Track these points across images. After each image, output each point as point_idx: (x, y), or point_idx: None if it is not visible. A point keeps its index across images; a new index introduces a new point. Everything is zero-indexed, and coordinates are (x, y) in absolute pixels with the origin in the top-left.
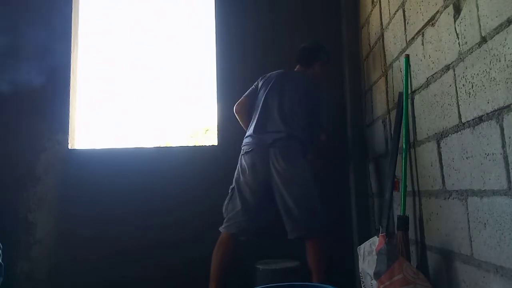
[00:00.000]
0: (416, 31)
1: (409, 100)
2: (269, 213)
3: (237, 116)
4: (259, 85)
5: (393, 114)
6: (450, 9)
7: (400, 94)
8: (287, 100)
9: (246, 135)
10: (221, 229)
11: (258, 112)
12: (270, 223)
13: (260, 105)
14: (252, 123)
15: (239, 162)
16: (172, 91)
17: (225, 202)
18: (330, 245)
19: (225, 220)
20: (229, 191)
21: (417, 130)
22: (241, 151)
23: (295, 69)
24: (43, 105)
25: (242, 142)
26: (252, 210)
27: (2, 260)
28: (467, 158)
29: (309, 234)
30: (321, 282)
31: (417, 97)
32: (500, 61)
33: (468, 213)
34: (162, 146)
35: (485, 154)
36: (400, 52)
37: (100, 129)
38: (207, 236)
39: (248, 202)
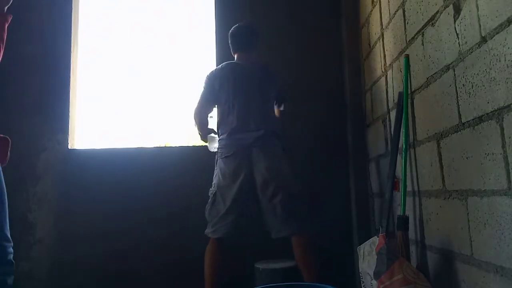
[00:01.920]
0: (416, 31)
1: (409, 100)
2: (253, 213)
3: (197, 121)
4: (215, 85)
5: (393, 114)
6: (450, 9)
7: (400, 94)
8: (254, 95)
9: (222, 137)
10: (207, 234)
11: (229, 113)
12: (256, 222)
13: (229, 105)
14: (225, 125)
15: (218, 165)
16: (172, 91)
17: (208, 207)
18: (329, 245)
19: (210, 225)
20: (211, 196)
21: (417, 130)
22: (218, 154)
23: (236, 59)
24: (43, 105)
25: (219, 144)
26: (236, 213)
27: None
28: (467, 158)
29: (295, 232)
30: (314, 281)
31: (417, 97)
32: (500, 61)
33: (468, 213)
34: (162, 146)
35: (485, 154)
36: (400, 52)
37: (100, 129)
38: (207, 236)
39: (232, 205)
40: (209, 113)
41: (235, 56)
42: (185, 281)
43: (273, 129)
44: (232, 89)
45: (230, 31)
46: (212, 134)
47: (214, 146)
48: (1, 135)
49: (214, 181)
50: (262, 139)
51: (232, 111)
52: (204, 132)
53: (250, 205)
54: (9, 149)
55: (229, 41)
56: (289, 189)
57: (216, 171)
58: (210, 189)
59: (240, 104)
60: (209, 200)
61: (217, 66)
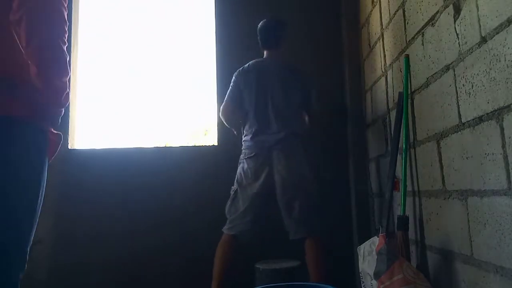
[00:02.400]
0: (416, 31)
1: (409, 100)
2: (271, 213)
3: (224, 119)
4: (240, 84)
5: (393, 114)
6: (450, 9)
7: (400, 94)
8: (278, 96)
9: (245, 138)
10: (224, 230)
11: (253, 114)
12: (270, 223)
13: (253, 106)
14: (248, 126)
15: (241, 164)
16: (172, 91)
17: (228, 204)
18: (329, 245)
19: (228, 222)
20: (231, 193)
21: (417, 130)
22: (243, 154)
23: (265, 57)
24: None
25: (242, 144)
26: (254, 212)
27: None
28: (467, 158)
29: (311, 234)
30: (321, 282)
31: (417, 97)
32: (500, 61)
33: (468, 213)
34: (162, 146)
35: (485, 154)
36: (400, 52)
37: (100, 129)
38: (207, 236)
39: (251, 204)
40: (235, 111)
41: (264, 53)
42: (185, 279)
43: (295, 131)
44: (255, 90)
45: (258, 26)
46: None
47: None
48: (56, 131)
49: (236, 179)
50: (283, 141)
51: (254, 112)
52: (236, 128)
53: (268, 206)
54: (60, 146)
55: (258, 36)
56: (308, 191)
57: (239, 170)
58: (232, 186)
59: (262, 105)
60: (230, 197)
61: (217, 66)
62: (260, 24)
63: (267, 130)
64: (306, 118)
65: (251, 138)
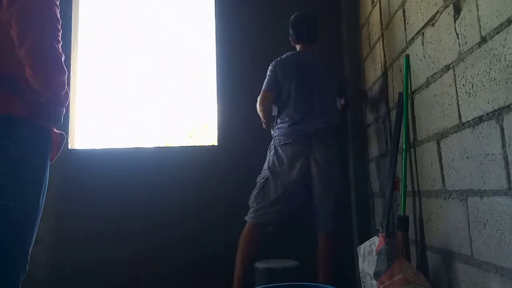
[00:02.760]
0: (416, 31)
1: (409, 100)
2: (300, 204)
3: (262, 108)
4: (278, 74)
5: (393, 114)
6: (450, 9)
7: (400, 94)
8: (314, 88)
9: (281, 125)
10: (248, 218)
11: (293, 104)
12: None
13: (294, 96)
14: (286, 115)
15: (272, 151)
16: (172, 91)
17: (254, 192)
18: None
19: (253, 210)
20: (261, 181)
21: (417, 130)
22: (276, 141)
23: (300, 50)
24: None
25: (276, 132)
26: (285, 201)
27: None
28: (467, 158)
29: (337, 228)
30: (327, 281)
31: (417, 97)
32: (500, 61)
33: (468, 213)
34: (162, 146)
35: (485, 154)
36: (400, 52)
37: (100, 129)
38: (207, 236)
39: (283, 193)
40: (269, 102)
41: (297, 47)
42: (185, 278)
43: (332, 123)
44: (294, 81)
45: (291, 19)
46: None
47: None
48: (59, 131)
49: (266, 166)
50: (322, 132)
51: (293, 103)
52: (268, 120)
53: (299, 197)
54: (63, 145)
55: (290, 31)
56: (339, 186)
57: (271, 157)
58: (260, 175)
59: (301, 96)
60: (258, 185)
61: (217, 66)
62: (297, 16)
63: (307, 119)
64: (341, 106)
65: (289, 125)
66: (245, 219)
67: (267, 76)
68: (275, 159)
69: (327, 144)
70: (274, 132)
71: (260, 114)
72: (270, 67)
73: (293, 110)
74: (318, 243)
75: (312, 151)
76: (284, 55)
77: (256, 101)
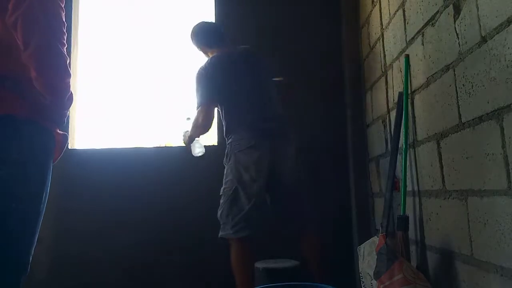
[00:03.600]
0: (416, 31)
1: (409, 100)
2: (275, 205)
3: (203, 125)
4: (215, 81)
5: (393, 114)
6: (450, 9)
7: (400, 94)
8: (262, 84)
9: (235, 130)
10: (225, 236)
11: (238, 106)
12: (270, 223)
13: (237, 97)
14: (235, 119)
15: (233, 159)
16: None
17: (225, 206)
18: (329, 245)
19: (229, 226)
20: (228, 193)
21: (417, 130)
22: (234, 148)
23: (219, 53)
24: None
25: (231, 138)
26: (261, 208)
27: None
28: (467, 158)
29: (316, 229)
30: (324, 280)
31: (417, 97)
32: (500, 61)
33: (468, 213)
34: (162, 146)
35: (485, 154)
36: (400, 52)
37: (100, 129)
38: (207, 236)
39: (257, 200)
40: (213, 110)
41: (214, 52)
42: (185, 278)
43: (285, 118)
44: (236, 80)
45: (199, 27)
46: (196, 138)
47: (198, 151)
48: (62, 132)
49: (230, 177)
50: (281, 129)
51: (242, 103)
52: (196, 137)
53: (271, 198)
54: (66, 146)
55: (201, 38)
56: (304, 183)
57: (233, 166)
58: (224, 187)
59: (251, 92)
60: (226, 198)
61: None
62: (200, 27)
63: (263, 117)
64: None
65: (246, 127)
66: (222, 236)
67: (201, 88)
68: (239, 167)
69: (288, 142)
70: (228, 139)
71: (199, 131)
72: (199, 77)
73: (246, 112)
74: (305, 245)
75: (276, 151)
76: (207, 62)
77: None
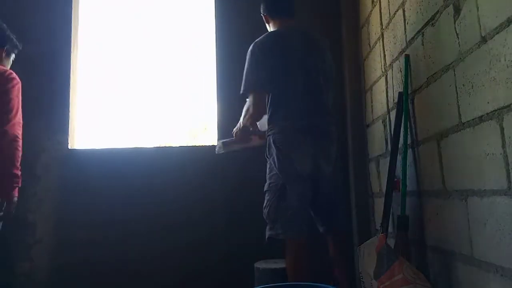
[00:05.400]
0: (416, 31)
1: (409, 100)
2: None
3: (257, 114)
4: (271, 57)
5: (393, 114)
6: (450, 9)
7: (400, 94)
8: (318, 74)
9: (281, 122)
10: (275, 236)
11: (291, 93)
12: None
13: (291, 84)
14: (285, 109)
15: (279, 153)
16: (172, 91)
17: (272, 204)
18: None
19: (279, 226)
20: (274, 190)
21: (417, 130)
22: (278, 141)
23: (281, 27)
24: (43, 105)
25: (274, 129)
26: (308, 202)
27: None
28: (467, 158)
29: (348, 227)
30: (347, 280)
31: (417, 97)
32: (500, 61)
33: (468, 213)
34: (162, 146)
35: (485, 154)
36: (400, 52)
37: (100, 129)
38: (207, 235)
39: (306, 198)
40: (264, 105)
41: (272, 25)
42: (187, 282)
43: (334, 116)
44: (290, 65)
45: None
46: (224, 140)
47: (224, 148)
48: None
49: (274, 171)
50: (329, 126)
51: (293, 92)
52: (247, 132)
53: (311, 195)
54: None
55: (268, 2)
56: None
57: (277, 160)
58: (269, 182)
59: (303, 83)
60: (272, 195)
61: (217, 65)
62: None
63: (317, 112)
64: None
65: (292, 122)
66: (271, 236)
67: (251, 69)
68: (286, 163)
69: (333, 140)
70: (270, 129)
71: (249, 121)
72: (251, 56)
73: (294, 102)
74: (331, 243)
75: (319, 150)
76: (265, 37)
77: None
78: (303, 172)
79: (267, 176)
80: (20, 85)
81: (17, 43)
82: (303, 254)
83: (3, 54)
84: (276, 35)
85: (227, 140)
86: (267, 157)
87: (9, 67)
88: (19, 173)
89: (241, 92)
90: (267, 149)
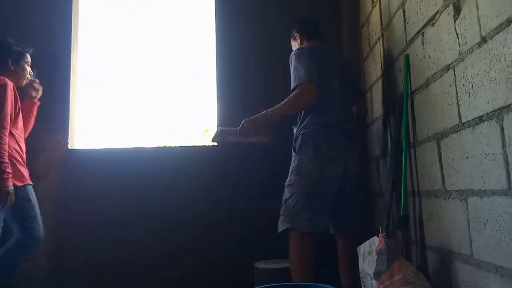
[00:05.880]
0: (416, 31)
1: (409, 100)
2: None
3: (305, 103)
4: (317, 64)
5: (393, 114)
6: (450, 9)
7: (400, 94)
8: (345, 84)
9: (319, 121)
10: (297, 228)
11: (333, 100)
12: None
13: (335, 90)
14: (324, 110)
15: (315, 149)
16: (172, 91)
17: (301, 198)
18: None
19: (305, 218)
20: (305, 186)
21: (417, 130)
22: (316, 138)
23: (315, 44)
24: (43, 105)
25: (310, 128)
26: (333, 203)
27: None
28: (467, 158)
29: (360, 229)
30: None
31: (417, 97)
32: (500, 61)
33: (468, 213)
34: (162, 146)
35: (485, 154)
36: (400, 52)
37: (100, 129)
38: (207, 237)
39: (334, 195)
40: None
41: (310, 43)
42: (187, 281)
43: (356, 124)
44: (337, 78)
45: (304, 17)
46: (223, 128)
47: (220, 137)
48: None
49: (308, 167)
50: (356, 132)
51: (330, 95)
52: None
53: (341, 198)
54: None
55: (306, 26)
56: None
57: (313, 156)
58: (297, 177)
59: (341, 95)
60: (301, 189)
61: (217, 66)
62: (305, 17)
63: (346, 118)
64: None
65: (330, 122)
66: (292, 228)
67: (304, 65)
68: (320, 157)
69: (358, 146)
70: (304, 127)
71: (292, 110)
72: (303, 55)
73: (331, 104)
74: (340, 244)
75: (349, 152)
76: (311, 46)
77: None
78: (336, 171)
79: (295, 171)
80: (7, 87)
81: (23, 50)
82: (312, 252)
83: (11, 67)
84: (317, 46)
85: (226, 129)
86: (298, 151)
87: (27, 71)
88: (5, 163)
89: (293, 86)
90: (297, 145)
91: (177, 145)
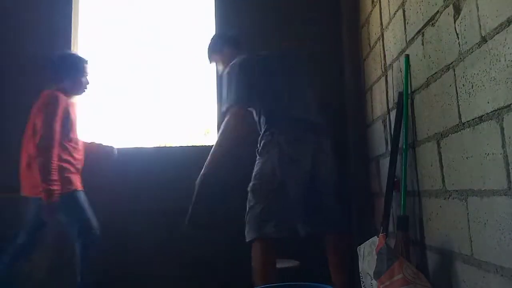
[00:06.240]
0: (416, 31)
1: (409, 100)
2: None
3: (237, 132)
4: (255, 71)
5: (393, 114)
6: (450, 9)
7: (400, 94)
8: (298, 82)
9: (280, 121)
10: (263, 235)
11: (283, 99)
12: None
13: (280, 93)
14: (280, 110)
15: (278, 150)
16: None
17: (266, 204)
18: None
19: (274, 224)
20: (268, 189)
21: (417, 130)
22: (279, 139)
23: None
24: None
25: (270, 131)
26: (299, 205)
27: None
28: (467, 158)
29: (344, 227)
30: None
31: (417, 97)
32: (500, 61)
33: (468, 213)
34: (162, 146)
35: (485, 154)
36: (400, 52)
37: (100, 129)
38: (207, 237)
39: (300, 196)
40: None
41: (234, 55)
42: (187, 281)
43: (323, 119)
44: (273, 76)
45: (231, 34)
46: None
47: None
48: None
49: (269, 170)
50: (322, 128)
51: (284, 98)
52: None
53: (308, 198)
54: None
55: (232, 40)
56: (336, 185)
57: (276, 157)
58: (259, 181)
59: (289, 90)
60: (265, 194)
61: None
62: (225, 32)
63: (307, 115)
64: None
65: (292, 121)
66: (261, 237)
67: (236, 83)
68: (285, 158)
69: (328, 139)
70: (266, 132)
71: (231, 139)
72: (232, 74)
73: (289, 106)
74: (329, 246)
75: (318, 150)
76: (242, 58)
77: None
78: (303, 169)
79: (257, 175)
80: (58, 104)
81: (85, 64)
82: (273, 257)
83: (73, 81)
84: (249, 56)
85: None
86: (261, 155)
87: (87, 83)
88: (49, 180)
89: (226, 109)
90: (260, 147)
91: (177, 145)
